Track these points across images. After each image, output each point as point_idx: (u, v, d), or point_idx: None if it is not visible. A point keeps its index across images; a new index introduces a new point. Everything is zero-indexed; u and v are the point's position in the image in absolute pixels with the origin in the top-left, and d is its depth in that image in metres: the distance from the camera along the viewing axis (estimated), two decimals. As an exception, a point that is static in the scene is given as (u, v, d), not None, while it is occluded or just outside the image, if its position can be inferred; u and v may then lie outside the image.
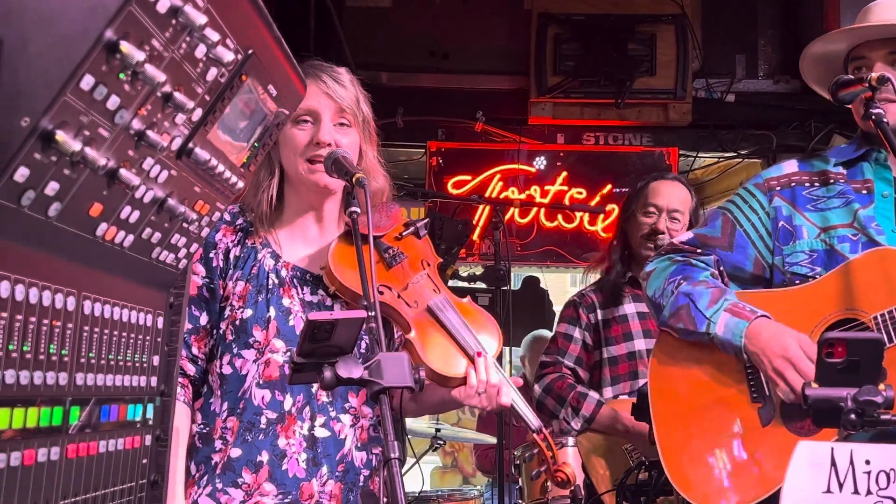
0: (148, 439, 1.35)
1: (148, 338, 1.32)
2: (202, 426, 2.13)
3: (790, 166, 2.48)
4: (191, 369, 2.14)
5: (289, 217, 2.26)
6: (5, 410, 0.95)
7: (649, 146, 6.52)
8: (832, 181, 2.39)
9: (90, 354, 1.13)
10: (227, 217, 2.23)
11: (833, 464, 1.52)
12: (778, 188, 2.44)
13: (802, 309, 2.25)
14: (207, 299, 2.17)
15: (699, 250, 2.51)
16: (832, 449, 1.52)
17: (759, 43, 6.53)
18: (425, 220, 2.32)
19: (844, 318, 2.18)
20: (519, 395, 2.19)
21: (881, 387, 1.56)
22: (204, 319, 2.16)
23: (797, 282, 2.33)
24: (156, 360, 1.36)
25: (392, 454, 1.62)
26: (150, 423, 1.36)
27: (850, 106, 2.31)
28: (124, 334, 1.23)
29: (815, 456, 1.53)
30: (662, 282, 2.46)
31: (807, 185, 2.42)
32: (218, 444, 2.09)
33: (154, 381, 1.36)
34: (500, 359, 3.70)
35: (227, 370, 2.13)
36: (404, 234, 2.27)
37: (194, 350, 2.15)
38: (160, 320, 1.37)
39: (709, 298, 2.33)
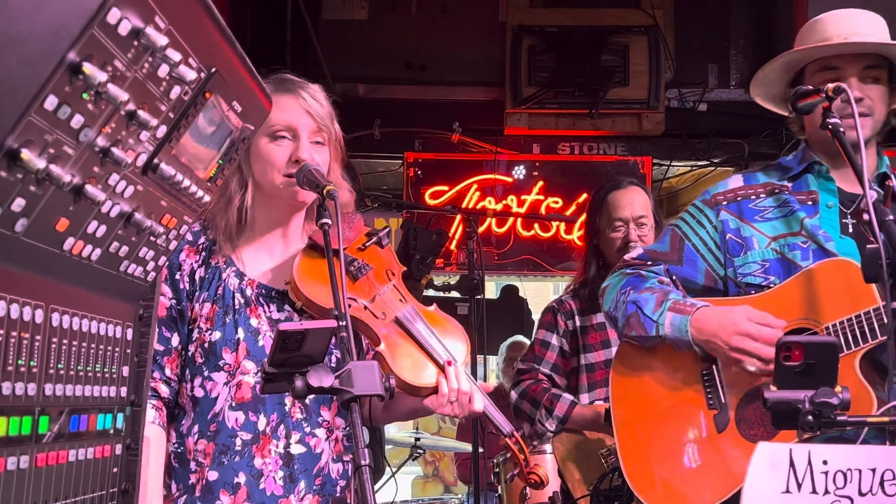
0: (118, 448, 1.37)
1: (117, 349, 1.35)
2: (176, 445, 2.13)
3: (735, 181, 2.55)
4: (165, 391, 2.12)
5: (254, 233, 2.25)
6: (-26, 420, 0.98)
7: (623, 155, 6.58)
8: (778, 191, 2.45)
9: (59, 366, 1.16)
10: (188, 237, 2.21)
11: (791, 464, 1.55)
12: (724, 202, 2.50)
13: None
14: (176, 320, 2.16)
15: (649, 263, 2.56)
16: (790, 450, 1.56)
17: (730, 53, 6.61)
18: (387, 229, 2.34)
19: (798, 327, 2.24)
20: (490, 401, 2.21)
21: (837, 389, 1.60)
22: (175, 341, 2.15)
23: (752, 291, 2.37)
24: (125, 370, 1.38)
25: (363, 461, 1.65)
26: (121, 432, 1.39)
27: (806, 115, 2.37)
28: (93, 346, 1.26)
29: (774, 457, 1.57)
30: (615, 295, 2.52)
31: (752, 197, 2.47)
32: (192, 465, 2.10)
33: (124, 391, 1.39)
34: (473, 366, 3.75)
35: (198, 392, 2.13)
36: (367, 244, 2.28)
37: (167, 372, 2.13)
38: (129, 332, 1.39)
39: (654, 302, 2.39)
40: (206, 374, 2.12)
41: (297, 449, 2.12)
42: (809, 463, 1.55)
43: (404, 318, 2.19)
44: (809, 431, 1.59)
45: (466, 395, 2.13)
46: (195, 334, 2.14)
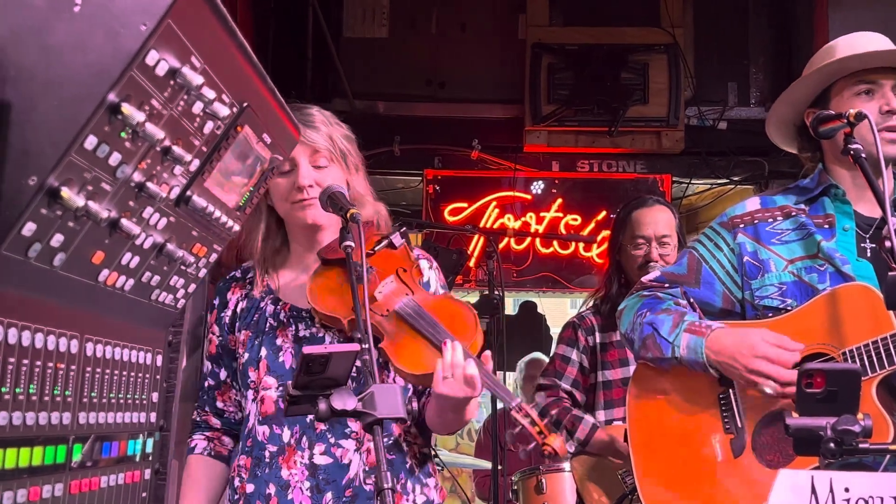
0: (147, 473, 1.40)
1: (147, 375, 1.38)
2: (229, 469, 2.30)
3: (753, 204, 2.54)
4: (216, 423, 2.33)
5: (292, 258, 2.36)
6: (12, 450, 1.00)
7: (643, 173, 6.58)
8: (794, 214, 2.45)
9: (92, 394, 1.18)
10: (238, 274, 2.37)
11: (813, 491, 1.55)
12: (741, 225, 2.50)
13: None
14: (223, 356, 2.33)
15: (667, 285, 2.56)
16: (812, 477, 1.56)
17: (750, 71, 6.61)
18: (402, 229, 2.34)
19: (816, 351, 2.24)
20: (490, 375, 2.10)
21: (859, 416, 1.60)
22: (223, 374, 2.33)
23: (770, 315, 2.37)
24: (155, 396, 1.41)
25: (385, 484, 1.66)
26: (150, 457, 1.41)
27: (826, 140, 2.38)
28: (125, 373, 1.29)
29: (796, 484, 1.57)
30: (632, 317, 2.52)
31: (769, 220, 2.47)
32: (236, 481, 2.22)
33: (153, 416, 1.41)
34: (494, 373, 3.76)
35: (243, 413, 2.29)
36: (376, 248, 2.27)
37: (219, 404, 2.33)
38: (159, 358, 1.42)
39: (670, 324, 2.39)
40: (244, 394, 2.27)
41: (321, 460, 2.14)
42: (831, 490, 1.55)
43: (402, 309, 2.18)
44: (831, 458, 1.59)
45: (459, 367, 2.02)
46: (236, 361, 2.29)
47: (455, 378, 2.03)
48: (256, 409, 2.20)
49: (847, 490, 1.54)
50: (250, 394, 2.23)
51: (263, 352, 2.21)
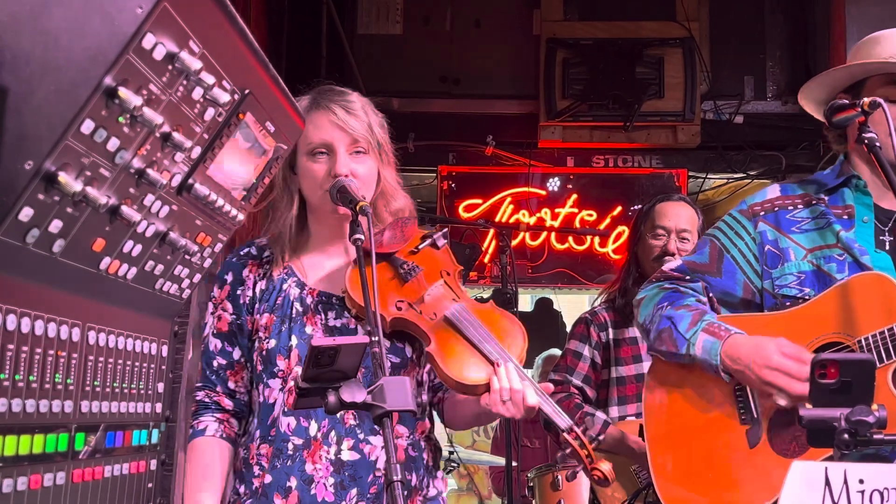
0: (153, 464, 1.39)
1: (153, 365, 1.37)
2: (243, 451, 2.20)
3: (773, 191, 2.52)
4: (228, 404, 2.23)
5: (314, 243, 2.31)
6: (12, 437, 1.00)
7: (659, 168, 6.55)
8: (814, 203, 2.42)
9: (95, 383, 1.18)
10: (253, 251, 2.30)
11: (827, 483, 1.53)
12: (762, 213, 2.47)
13: (790, 332, 2.27)
14: (236, 334, 2.25)
15: (688, 277, 2.54)
16: (826, 469, 1.54)
17: (767, 64, 6.56)
18: (444, 230, 2.33)
19: (832, 341, 2.21)
20: (546, 397, 2.13)
21: (874, 407, 1.58)
22: (237, 354, 2.24)
23: (788, 304, 2.35)
24: (160, 387, 1.40)
25: (394, 477, 1.65)
26: (156, 447, 1.41)
27: (841, 130, 2.36)
28: (129, 363, 1.28)
29: (809, 476, 1.55)
30: (651, 308, 2.50)
31: (790, 208, 2.45)
32: (255, 469, 2.16)
33: (159, 407, 1.41)
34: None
35: (261, 399, 2.20)
36: (420, 247, 2.28)
37: (230, 385, 2.24)
38: (164, 349, 1.41)
39: (689, 320, 2.37)
40: (264, 380, 2.19)
41: (349, 455, 2.12)
42: (845, 482, 1.53)
43: (453, 316, 2.17)
44: (845, 450, 1.57)
45: (519, 392, 2.06)
46: (256, 344, 2.21)
47: (514, 402, 2.06)
48: (283, 399, 2.15)
49: (862, 482, 1.52)
50: (276, 382, 2.17)
51: (294, 340, 2.16)
